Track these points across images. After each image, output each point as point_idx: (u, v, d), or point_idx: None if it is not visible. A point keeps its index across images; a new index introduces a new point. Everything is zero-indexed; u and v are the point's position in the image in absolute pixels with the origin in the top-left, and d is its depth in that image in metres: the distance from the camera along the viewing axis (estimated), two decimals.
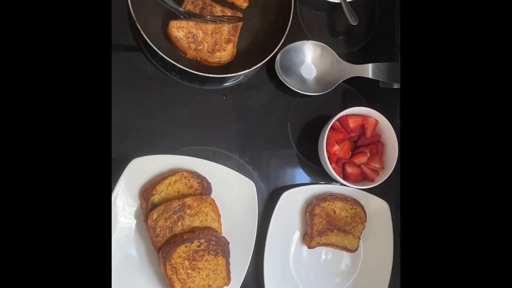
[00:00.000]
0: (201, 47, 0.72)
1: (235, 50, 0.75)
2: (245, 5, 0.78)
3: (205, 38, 0.73)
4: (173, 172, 0.67)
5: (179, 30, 0.71)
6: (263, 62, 0.72)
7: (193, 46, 0.72)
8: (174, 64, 0.68)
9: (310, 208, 0.74)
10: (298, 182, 0.79)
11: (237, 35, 0.75)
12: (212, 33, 0.73)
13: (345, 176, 0.76)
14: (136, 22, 0.67)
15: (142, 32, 0.67)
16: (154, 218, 0.64)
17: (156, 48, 0.67)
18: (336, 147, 0.74)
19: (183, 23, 0.72)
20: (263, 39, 0.77)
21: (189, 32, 0.72)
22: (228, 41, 0.74)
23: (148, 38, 0.67)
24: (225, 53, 0.74)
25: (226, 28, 0.74)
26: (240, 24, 0.76)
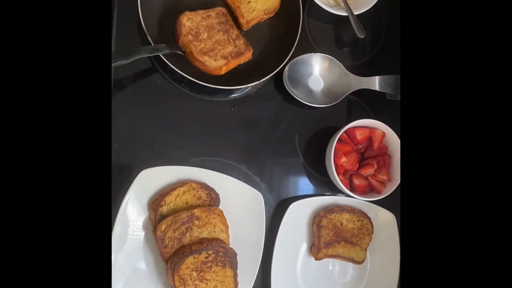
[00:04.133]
0: (197, 43, 0.71)
1: (224, 69, 0.73)
2: (246, 27, 0.77)
3: (206, 41, 0.72)
4: (181, 183, 0.67)
5: (189, 20, 0.71)
6: (271, 75, 0.73)
7: (190, 37, 0.71)
8: (183, 76, 0.69)
9: (317, 220, 0.74)
10: (305, 193, 0.79)
11: (236, 62, 0.74)
12: (216, 42, 0.73)
13: (352, 188, 0.76)
14: (147, 35, 0.68)
15: (152, 44, 0.68)
16: (162, 229, 0.64)
17: (166, 60, 0.68)
18: (343, 159, 0.74)
19: (198, 18, 0.72)
20: (272, 52, 0.77)
21: (196, 27, 0.71)
22: (224, 57, 0.73)
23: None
24: (214, 63, 0.72)
25: (231, 47, 0.73)
26: (247, 56, 0.75)
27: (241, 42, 0.74)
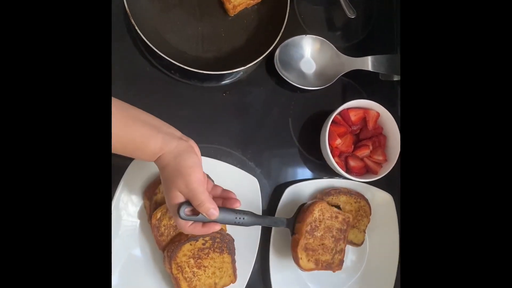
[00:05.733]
0: (308, 237, 0.66)
1: (308, 269, 0.68)
2: (232, 12, 0.76)
3: (316, 239, 0.67)
4: None
5: (320, 211, 0.67)
6: (261, 57, 0.72)
7: (308, 228, 0.67)
8: (172, 63, 0.68)
9: None
10: (301, 177, 0.78)
11: (319, 269, 0.69)
12: (322, 245, 0.68)
13: (348, 170, 0.76)
14: (131, 17, 0.66)
15: (139, 31, 0.67)
16: (158, 217, 0.64)
17: (154, 46, 0.67)
18: (338, 141, 0.74)
19: (327, 215, 0.68)
20: (261, 35, 0.76)
21: (320, 222, 0.67)
22: (316, 263, 0.68)
23: (146, 37, 0.67)
24: (304, 264, 0.67)
25: (328, 257, 0.69)
26: (332, 269, 0.70)
27: (339, 257, 0.70)
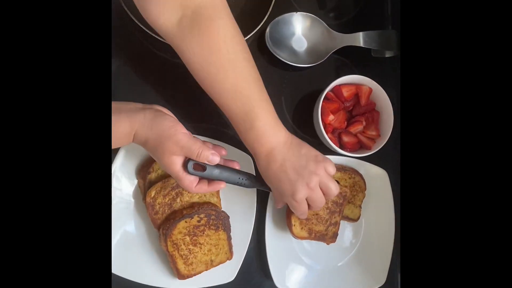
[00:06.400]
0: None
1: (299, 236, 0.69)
2: None
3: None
4: None
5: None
6: (251, 34, 0.71)
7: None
8: (161, 41, 0.68)
9: None
10: None
11: (314, 239, 0.70)
12: (316, 214, 0.68)
13: (341, 146, 0.76)
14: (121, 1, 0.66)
15: (126, 9, 0.66)
16: (152, 195, 0.64)
17: (142, 25, 0.67)
18: (331, 117, 0.74)
19: None
20: (250, 13, 0.76)
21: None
22: (309, 232, 0.69)
23: (134, 16, 0.66)
24: (296, 230, 0.68)
25: (321, 227, 0.70)
26: (326, 242, 0.72)
27: (333, 229, 0.70)
